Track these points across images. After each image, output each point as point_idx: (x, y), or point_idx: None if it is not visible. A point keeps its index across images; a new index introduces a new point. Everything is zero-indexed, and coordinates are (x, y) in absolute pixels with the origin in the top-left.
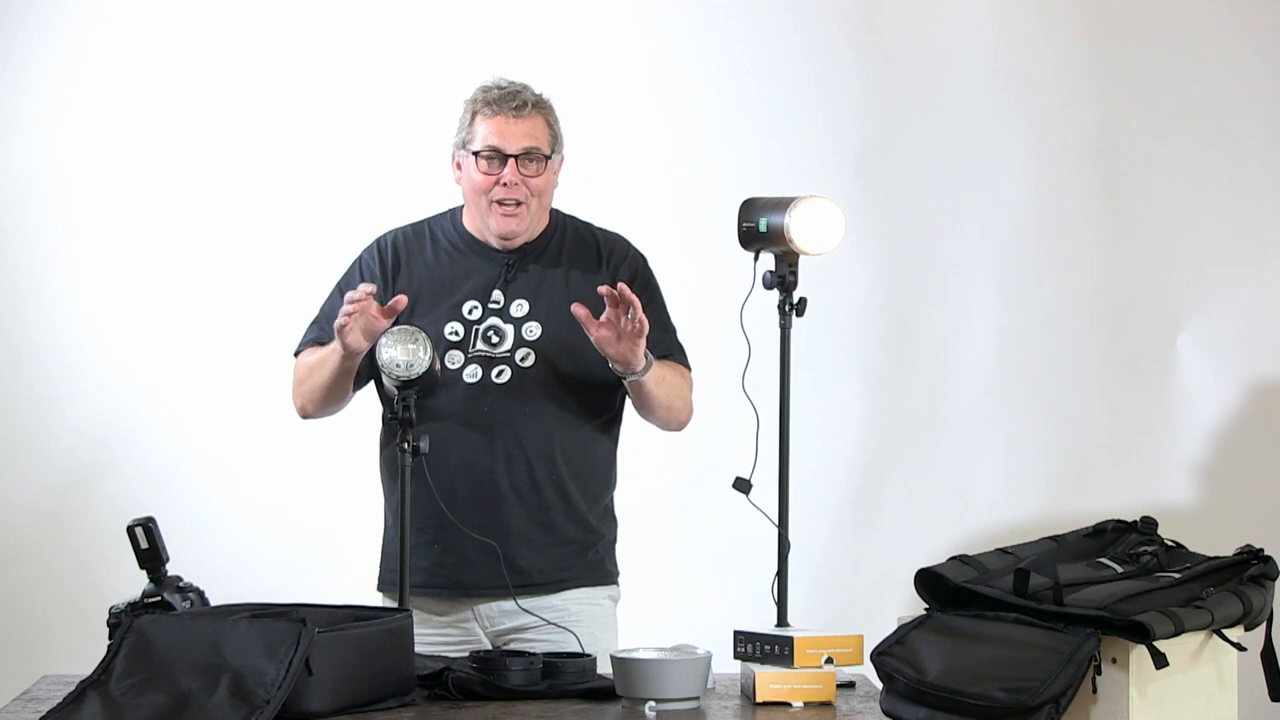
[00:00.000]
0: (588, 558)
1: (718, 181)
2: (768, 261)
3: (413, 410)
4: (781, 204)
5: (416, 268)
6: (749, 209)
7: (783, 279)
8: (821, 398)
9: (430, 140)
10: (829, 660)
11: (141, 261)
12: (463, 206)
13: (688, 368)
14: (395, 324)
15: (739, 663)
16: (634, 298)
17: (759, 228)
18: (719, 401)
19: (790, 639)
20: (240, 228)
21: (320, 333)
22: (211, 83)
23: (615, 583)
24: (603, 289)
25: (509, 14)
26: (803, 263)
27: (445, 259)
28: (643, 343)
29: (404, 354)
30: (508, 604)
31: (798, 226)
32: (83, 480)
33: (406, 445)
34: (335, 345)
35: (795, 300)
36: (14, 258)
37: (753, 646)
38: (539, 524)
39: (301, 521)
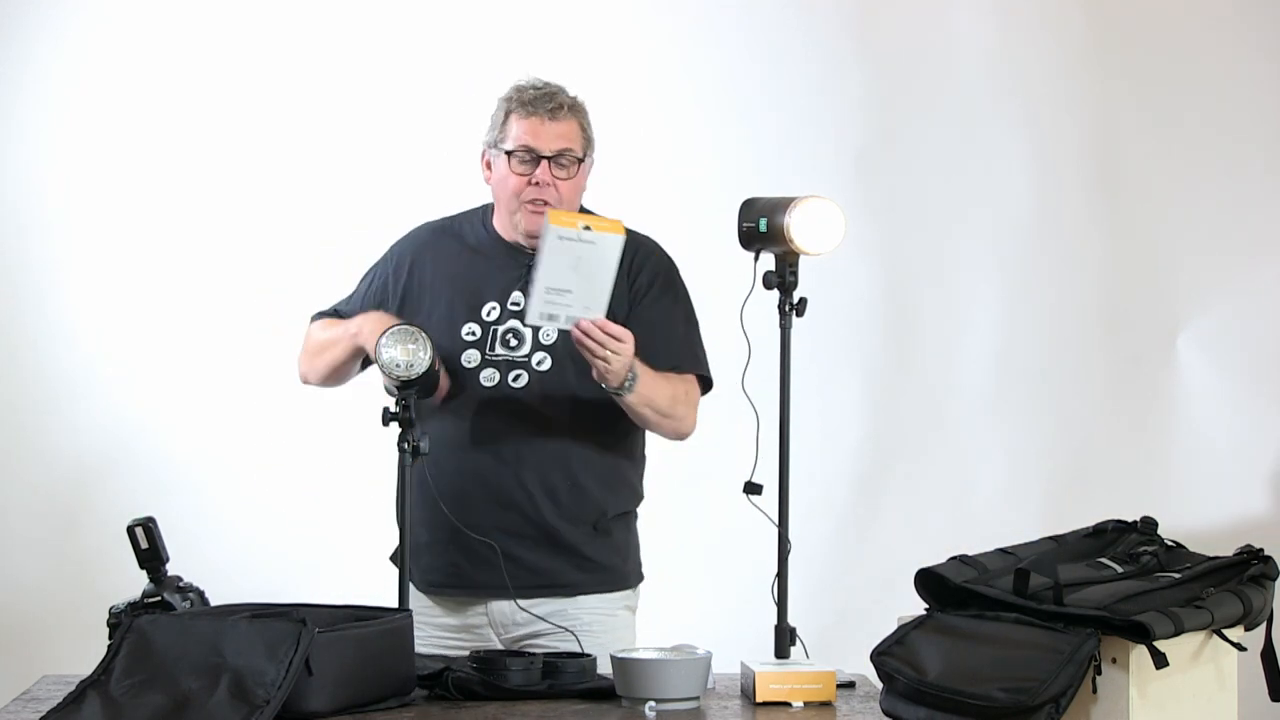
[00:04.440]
0: (603, 562)
1: (718, 181)
2: (768, 261)
3: (413, 410)
4: (781, 204)
5: (440, 266)
6: (749, 209)
7: (783, 279)
8: (821, 398)
9: (429, 143)
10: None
11: (142, 263)
12: (492, 205)
13: (701, 376)
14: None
15: (739, 662)
16: (592, 330)
17: (759, 228)
18: (719, 402)
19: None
20: (239, 229)
21: (341, 310)
22: (212, 84)
23: (632, 587)
24: (575, 333)
25: (510, 14)
26: (803, 263)
27: (468, 258)
28: (618, 365)
29: (404, 354)
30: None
31: (798, 226)
32: (83, 481)
33: (406, 445)
34: (351, 337)
35: (795, 300)
36: (14, 259)
37: None
38: (555, 526)
39: (301, 521)
